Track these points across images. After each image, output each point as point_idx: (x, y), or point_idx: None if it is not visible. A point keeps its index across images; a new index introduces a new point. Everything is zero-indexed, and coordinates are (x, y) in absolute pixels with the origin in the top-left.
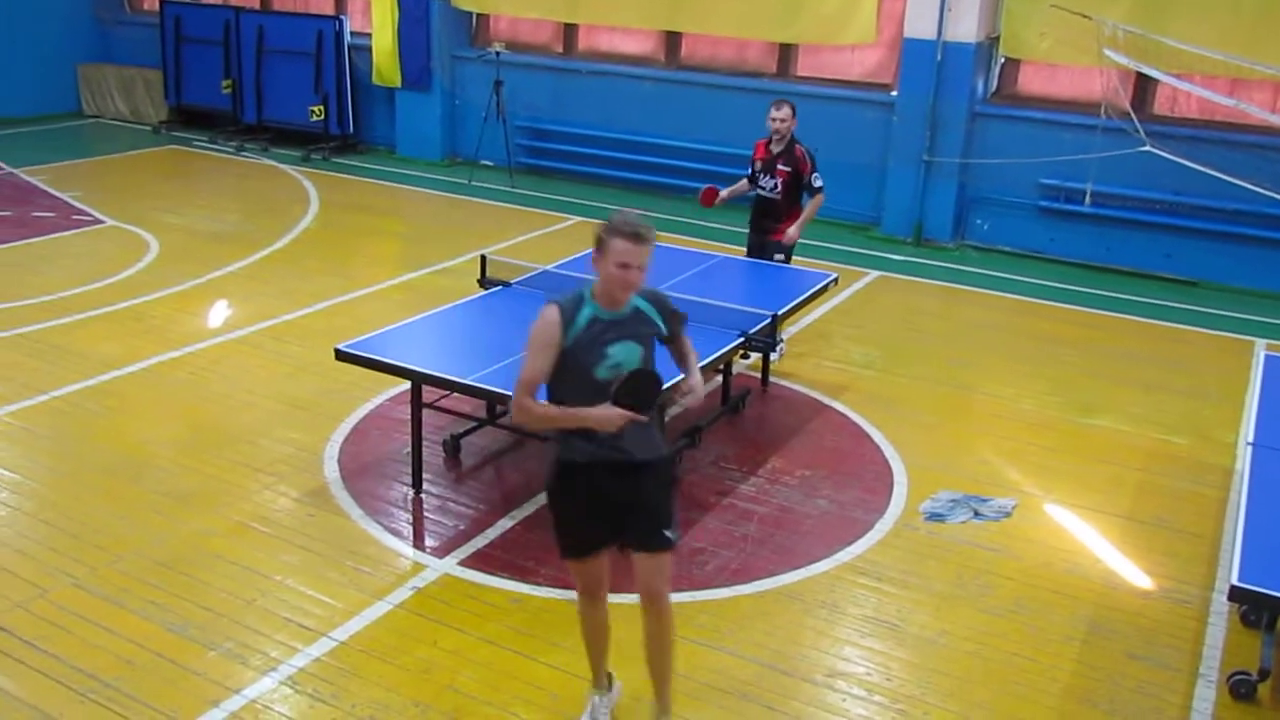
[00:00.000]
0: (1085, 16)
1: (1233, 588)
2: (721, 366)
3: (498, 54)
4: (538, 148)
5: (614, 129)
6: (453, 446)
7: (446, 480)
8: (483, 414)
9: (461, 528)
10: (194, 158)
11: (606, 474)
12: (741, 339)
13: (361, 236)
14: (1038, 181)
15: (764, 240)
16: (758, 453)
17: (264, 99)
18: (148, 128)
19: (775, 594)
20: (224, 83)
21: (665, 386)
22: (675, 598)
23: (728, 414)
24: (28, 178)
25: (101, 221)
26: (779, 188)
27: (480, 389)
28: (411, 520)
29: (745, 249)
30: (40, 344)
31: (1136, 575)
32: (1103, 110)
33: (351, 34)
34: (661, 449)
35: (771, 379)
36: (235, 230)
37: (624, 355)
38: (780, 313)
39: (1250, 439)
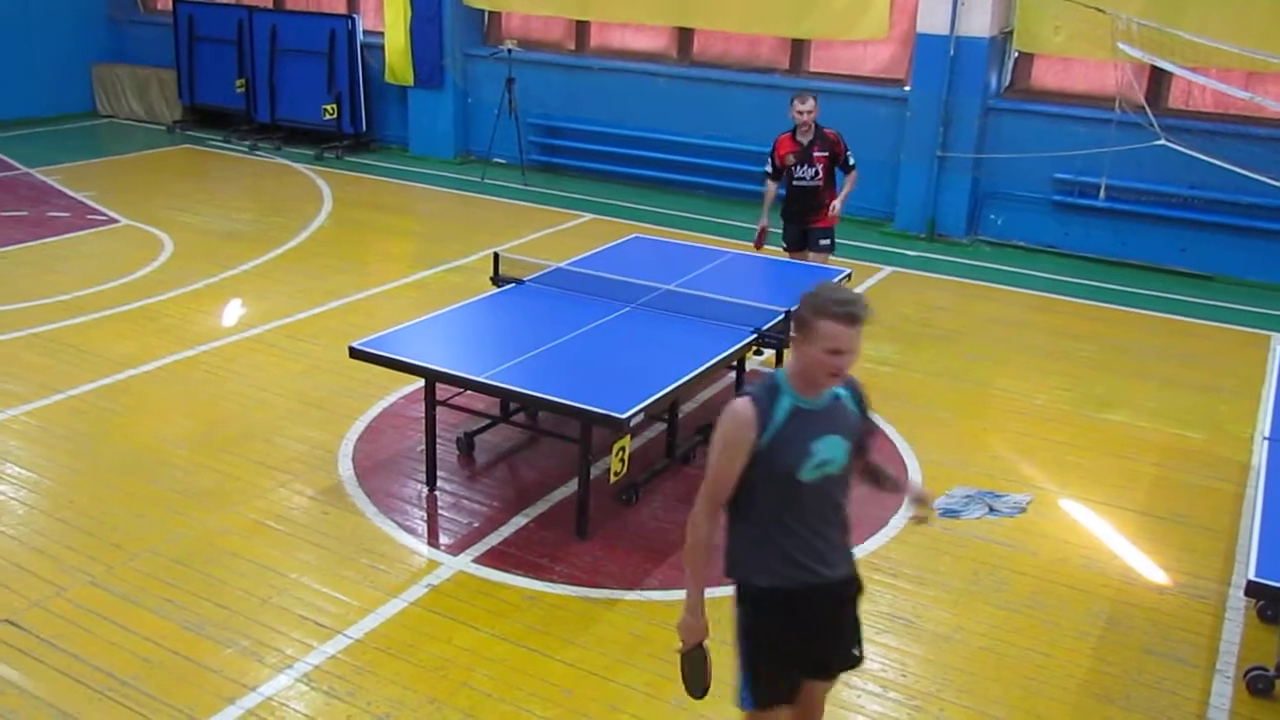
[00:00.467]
0: (1099, 10)
1: (1250, 583)
2: (735, 363)
3: (510, 51)
4: (550, 145)
5: (626, 126)
6: (466, 444)
7: (460, 478)
8: (496, 411)
9: (475, 525)
10: (208, 157)
11: (819, 599)
12: (754, 335)
13: (375, 234)
14: (1052, 176)
15: (807, 229)
16: None
17: (277, 98)
18: (162, 127)
19: None
20: (237, 82)
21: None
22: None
23: None
24: (43, 178)
25: (116, 221)
26: (819, 174)
27: (494, 386)
28: (426, 518)
29: (785, 245)
30: (56, 343)
31: (1153, 570)
32: (1117, 104)
33: (364, 33)
34: (853, 555)
35: None
36: (249, 229)
37: (830, 452)
38: (793, 308)
39: (1266, 433)
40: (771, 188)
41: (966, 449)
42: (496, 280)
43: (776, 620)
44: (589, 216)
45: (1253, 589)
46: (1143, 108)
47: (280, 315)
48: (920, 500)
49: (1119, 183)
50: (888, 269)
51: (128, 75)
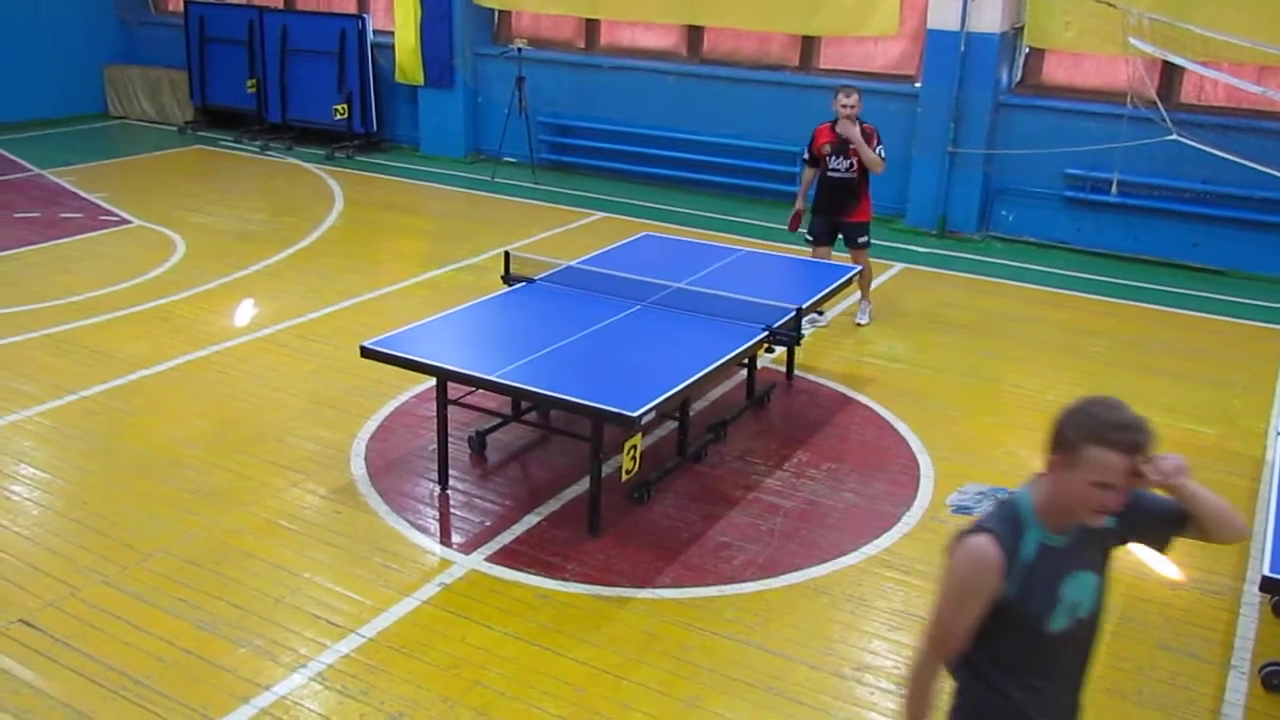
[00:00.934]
0: (1110, 5)
1: (1264, 578)
2: (746, 361)
3: (520, 50)
4: (560, 144)
5: (636, 124)
6: (478, 443)
7: (472, 476)
8: (508, 410)
9: (488, 524)
10: (219, 157)
11: None
12: (765, 333)
13: (386, 234)
14: (1063, 172)
15: (839, 222)
16: (783, 447)
17: (288, 98)
18: (173, 128)
19: (802, 588)
20: (248, 82)
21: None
22: (702, 592)
23: (752, 408)
24: (55, 179)
25: (128, 222)
26: (854, 167)
27: (505, 385)
28: (438, 517)
29: (810, 237)
30: (69, 344)
31: (1166, 566)
32: (1129, 99)
33: (374, 32)
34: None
35: (796, 372)
36: (261, 229)
37: (1080, 593)
38: (804, 306)
39: None
40: (808, 173)
41: (979, 445)
42: (507, 279)
43: None
44: (599, 215)
45: (1267, 584)
46: (1154, 103)
47: (292, 315)
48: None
49: (1131, 178)
50: (899, 265)
51: (139, 76)
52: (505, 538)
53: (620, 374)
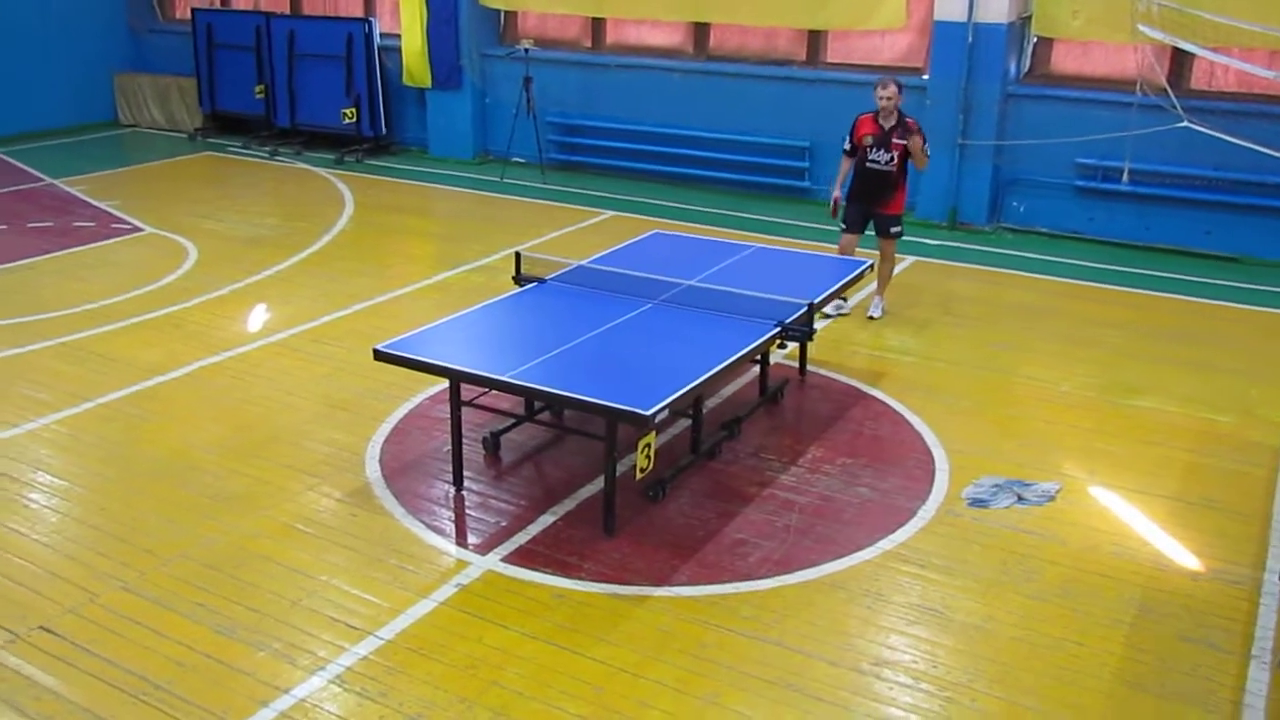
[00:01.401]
0: None
1: None
2: (758, 357)
3: (526, 51)
4: (568, 143)
5: (644, 122)
6: (492, 444)
7: (487, 477)
8: (521, 410)
9: (503, 524)
10: (229, 163)
11: None
12: (778, 329)
13: (396, 237)
14: (1074, 161)
15: (874, 212)
16: (797, 442)
17: (296, 103)
18: (183, 135)
19: (819, 584)
20: (257, 88)
21: None
22: (718, 589)
23: (766, 404)
24: (67, 188)
25: (140, 229)
26: (894, 161)
27: (518, 386)
28: (454, 518)
29: (844, 224)
30: (84, 351)
31: (1185, 557)
32: (1139, 87)
33: (381, 35)
34: None
35: (809, 368)
36: (272, 234)
37: None
38: (816, 301)
39: None
40: (846, 163)
41: (993, 438)
42: (518, 279)
43: None
44: (609, 213)
45: None
46: (1165, 90)
47: (304, 319)
48: None
49: (1142, 166)
50: (910, 259)
51: (149, 84)
52: (521, 538)
53: (633, 372)
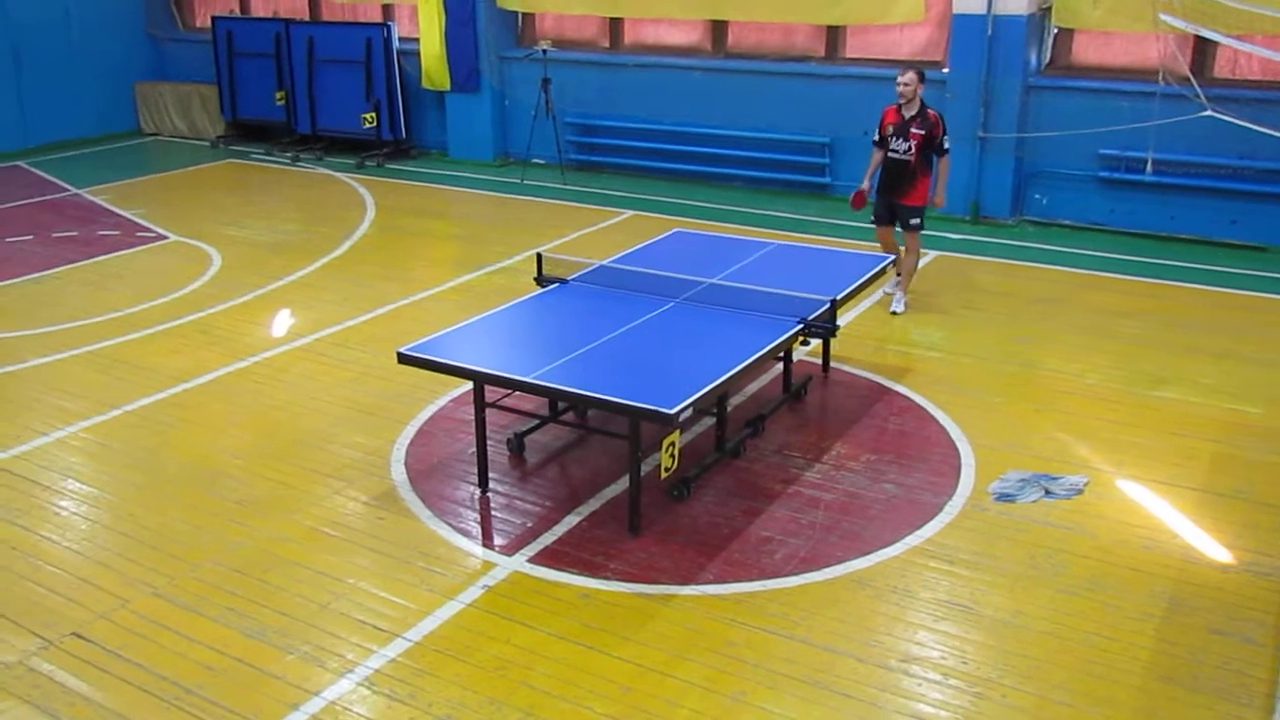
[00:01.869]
0: None
1: None
2: (782, 354)
3: (544, 52)
4: (588, 143)
5: (663, 121)
6: (517, 445)
7: (512, 478)
8: (545, 412)
9: (529, 525)
10: (251, 170)
11: None
12: (801, 325)
13: (418, 240)
14: (1096, 152)
15: (895, 203)
16: (822, 439)
17: (317, 109)
18: (205, 143)
19: (845, 580)
20: (277, 94)
21: None
22: (744, 587)
23: (790, 401)
24: (91, 197)
25: (165, 237)
26: (912, 150)
27: (542, 386)
28: (479, 519)
29: (873, 218)
30: (111, 359)
31: (1215, 549)
32: (1161, 76)
33: (400, 40)
34: None
35: (832, 364)
36: (294, 240)
37: None
38: (839, 297)
39: None
40: (876, 155)
41: (1019, 432)
42: (540, 280)
43: None
44: (630, 213)
45: None
46: (1188, 79)
47: (328, 324)
48: None
49: (1166, 156)
50: (933, 253)
51: (170, 93)
52: (546, 538)
53: (656, 371)
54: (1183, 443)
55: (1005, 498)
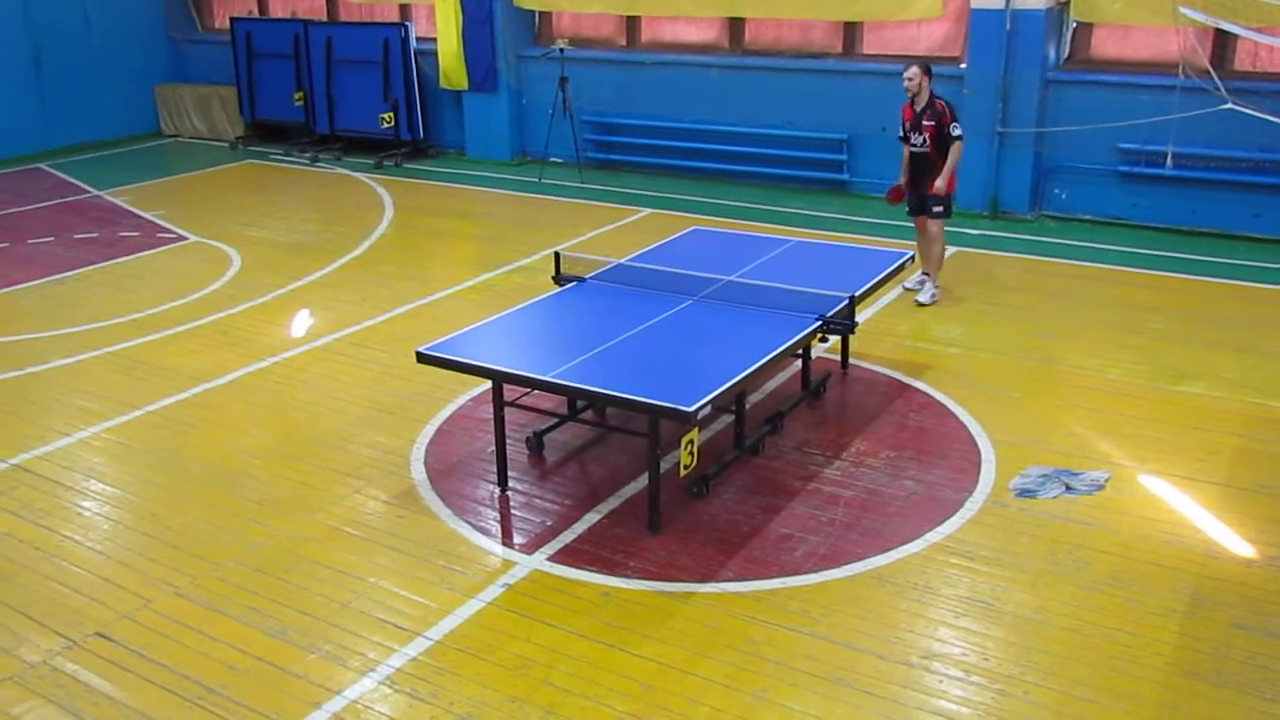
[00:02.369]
0: None
1: None
2: (800, 351)
3: (561, 51)
4: (605, 142)
5: (681, 119)
6: (536, 443)
7: (531, 477)
8: (564, 410)
9: (548, 523)
10: (270, 171)
11: None
12: (819, 322)
13: (437, 239)
14: (1116, 147)
15: (920, 195)
16: (841, 436)
17: (335, 109)
18: (225, 144)
19: (866, 577)
20: (296, 95)
21: None
22: (765, 585)
23: (809, 398)
24: (112, 199)
25: (185, 238)
26: (927, 142)
27: (561, 385)
28: (499, 518)
29: (907, 209)
30: (132, 360)
31: (1238, 544)
32: (1181, 70)
33: (417, 39)
34: None
35: (851, 360)
36: (314, 240)
37: None
38: (858, 294)
39: None
40: (905, 151)
41: (1040, 428)
42: (559, 279)
43: None
44: (647, 211)
45: None
46: (1208, 72)
47: (347, 324)
48: None
49: (1186, 150)
50: (952, 249)
51: (189, 94)
52: (566, 537)
53: (675, 369)
54: (1205, 437)
55: (1026, 493)
